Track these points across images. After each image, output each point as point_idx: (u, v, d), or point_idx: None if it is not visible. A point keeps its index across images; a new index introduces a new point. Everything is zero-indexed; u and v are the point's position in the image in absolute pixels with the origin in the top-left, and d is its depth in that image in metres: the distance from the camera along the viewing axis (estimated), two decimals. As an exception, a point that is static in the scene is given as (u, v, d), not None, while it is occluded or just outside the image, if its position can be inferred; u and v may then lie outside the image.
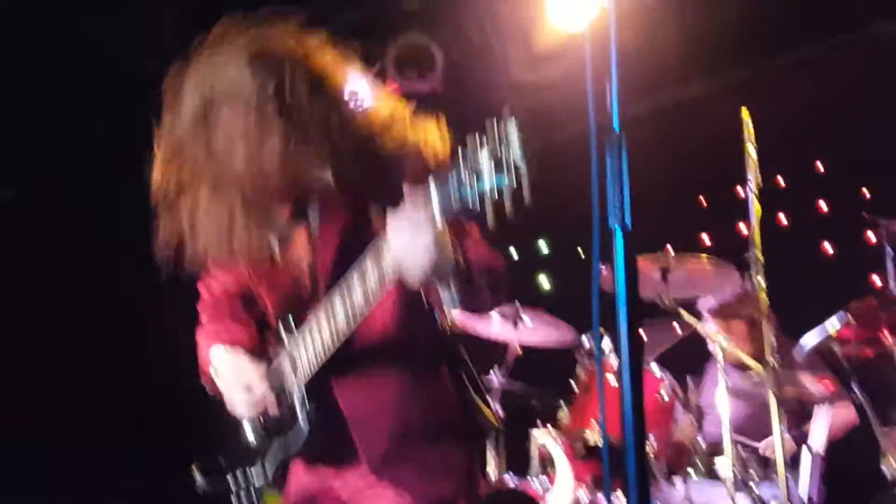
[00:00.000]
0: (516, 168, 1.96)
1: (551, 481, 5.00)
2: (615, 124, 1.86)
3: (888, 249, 4.97)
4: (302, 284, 2.64)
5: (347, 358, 2.54)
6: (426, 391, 2.58)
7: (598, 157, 1.89)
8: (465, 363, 2.67)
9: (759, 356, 4.79)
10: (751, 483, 4.81)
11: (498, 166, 1.97)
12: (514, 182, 1.95)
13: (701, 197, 6.84)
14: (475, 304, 2.46)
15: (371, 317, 2.46)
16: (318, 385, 2.58)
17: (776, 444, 4.48)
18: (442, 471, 2.57)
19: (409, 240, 2.22)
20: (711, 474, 5.01)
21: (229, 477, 2.74)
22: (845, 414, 5.23)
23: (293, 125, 2.43)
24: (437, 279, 2.33)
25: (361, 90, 2.58)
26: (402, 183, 2.29)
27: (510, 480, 5.05)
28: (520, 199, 1.96)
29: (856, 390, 4.89)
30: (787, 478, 4.48)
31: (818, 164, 6.49)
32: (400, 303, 2.55)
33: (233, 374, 2.67)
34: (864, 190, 6.28)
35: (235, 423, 2.76)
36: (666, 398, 5.04)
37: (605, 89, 1.92)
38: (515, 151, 1.97)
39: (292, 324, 2.62)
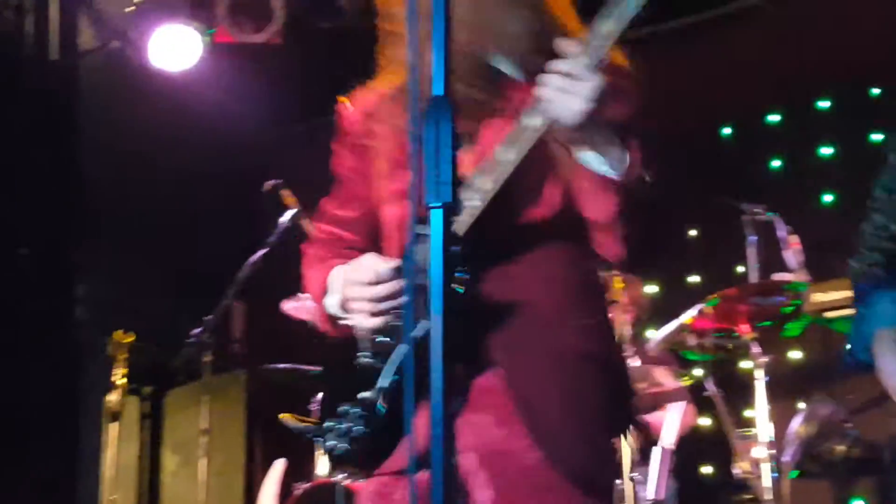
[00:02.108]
0: None
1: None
2: (439, 88, 1.68)
3: (750, 237, 4.83)
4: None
5: (501, 239, 2.30)
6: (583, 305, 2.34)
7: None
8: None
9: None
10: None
11: None
12: None
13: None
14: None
15: (531, 201, 2.31)
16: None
17: (622, 442, 4.48)
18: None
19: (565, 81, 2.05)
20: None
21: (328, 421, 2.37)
22: (689, 412, 5.28)
23: None
24: (592, 134, 2.14)
25: None
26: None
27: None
28: None
29: (709, 387, 4.94)
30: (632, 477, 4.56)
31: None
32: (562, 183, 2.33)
33: (354, 272, 2.35)
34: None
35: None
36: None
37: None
38: None
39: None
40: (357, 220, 2.56)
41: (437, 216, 1.66)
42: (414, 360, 2.10)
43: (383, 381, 2.24)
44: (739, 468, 4.68)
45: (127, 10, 5.80)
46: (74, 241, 5.99)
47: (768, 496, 4.44)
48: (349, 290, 2.33)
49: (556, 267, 2.33)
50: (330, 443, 2.28)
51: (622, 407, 2.42)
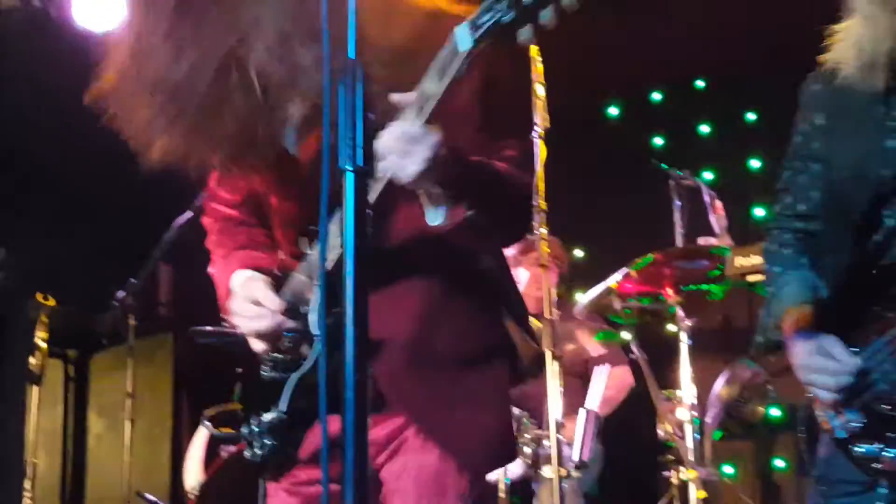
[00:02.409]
0: None
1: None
2: (350, 51, 1.72)
3: (676, 202, 4.80)
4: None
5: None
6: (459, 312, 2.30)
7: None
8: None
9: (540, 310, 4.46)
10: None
11: None
12: None
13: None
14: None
15: (403, 220, 2.27)
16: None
17: (549, 403, 4.27)
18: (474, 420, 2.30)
19: (400, 132, 2.01)
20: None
21: (243, 427, 2.38)
22: (622, 374, 5.22)
23: None
24: (425, 182, 2.09)
25: None
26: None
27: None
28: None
29: (634, 350, 4.86)
30: (557, 439, 4.26)
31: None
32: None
33: (240, 303, 2.35)
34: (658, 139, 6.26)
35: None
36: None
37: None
38: None
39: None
40: (240, 203, 2.53)
41: (350, 179, 1.65)
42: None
43: (283, 404, 2.24)
44: (663, 430, 4.65)
45: (49, -33, 5.57)
46: (-4, 205, 5.85)
47: (691, 456, 4.42)
48: (235, 319, 2.33)
49: (434, 266, 2.29)
50: (247, 452, 2.30)
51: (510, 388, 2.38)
